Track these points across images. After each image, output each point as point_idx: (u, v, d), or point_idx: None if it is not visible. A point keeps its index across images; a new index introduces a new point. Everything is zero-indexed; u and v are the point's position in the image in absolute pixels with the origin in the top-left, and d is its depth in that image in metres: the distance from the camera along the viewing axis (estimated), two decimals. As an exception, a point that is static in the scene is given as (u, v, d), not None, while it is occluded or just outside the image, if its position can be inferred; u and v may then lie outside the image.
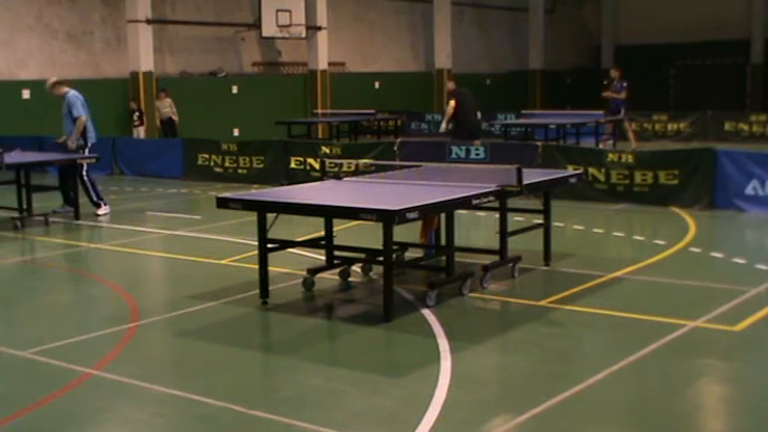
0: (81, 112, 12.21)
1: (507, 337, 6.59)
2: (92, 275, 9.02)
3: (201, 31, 23.63)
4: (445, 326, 6.60)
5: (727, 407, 5.29)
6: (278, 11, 23.71)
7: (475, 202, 7.35)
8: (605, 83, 20.74)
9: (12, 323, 7.22)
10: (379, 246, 6.77)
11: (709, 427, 5.03)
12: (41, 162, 12.94)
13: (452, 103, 16.22)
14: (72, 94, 12.31)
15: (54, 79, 12.74)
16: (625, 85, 20.07)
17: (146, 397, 5.39)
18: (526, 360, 6.04)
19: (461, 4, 30.55)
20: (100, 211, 12.33)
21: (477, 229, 10.79)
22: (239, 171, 16.16)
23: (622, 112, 20.20)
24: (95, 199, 12.39)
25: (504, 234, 8.04)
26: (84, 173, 12.33)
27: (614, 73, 20.44)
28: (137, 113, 21.27)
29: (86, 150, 12.37)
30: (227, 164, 16.33)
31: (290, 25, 24.04)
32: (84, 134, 12.30)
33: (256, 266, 7.44)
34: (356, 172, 11.93)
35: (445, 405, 5.06)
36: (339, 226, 8.99)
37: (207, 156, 16.51)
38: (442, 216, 7.86)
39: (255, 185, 14.34)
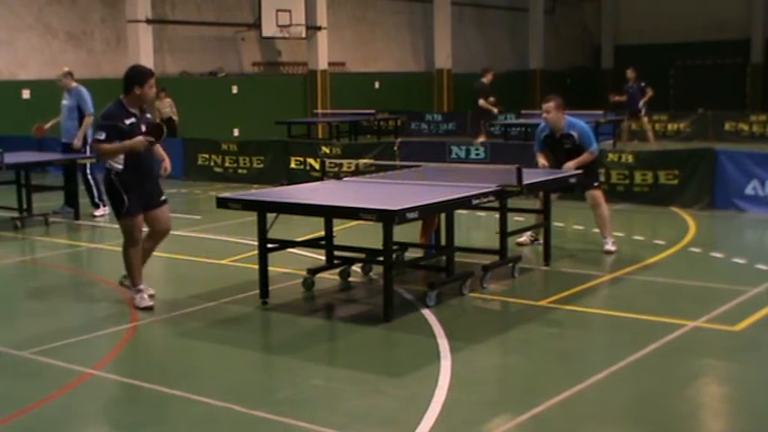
0: (91, 110, 12.16)
1: (507, 337, 6.59)
2: (92, 275, 9.02)
3: (201, 31, 23.62)
4: (445, 326, 6.60)
5: (727, 407, 5.30)
6: (278, 11, 23.70)
7: (475, 202, 7.36)
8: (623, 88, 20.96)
9: (12, 323, 7.22)
10: (379, 246, 6.77)
11: (710, 427, 5.03)
12: (41, 162, 12.94)
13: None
14: (83, 89, 12.27)
15: (66, 69, 12.64)
16: (643, 84, 20.48)
17: (146, 397, 5.39)
18: (526, 360, 6.04)
19: (461, 4, 30.54)
20: (97, 212, 12.29)
21: (477, 229, 10.79)
22: (239, 171, 16.16)
23: (643, 111, 20.47)
24: (96, 200, 12.37)
25: (504, 234, 8.04)
26: (89, 172, 12.31)
27: (630, 74, 20.75)
28: None
29: (87, 149, 12.35)
30: (227, 164, 16.33)
31: (290, 25, 24.02)
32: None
33: (256, 266, 7.44)
34: (356, 172, 11.93)
35: (445, 405, 5.06)
36: (339, 226, 8.99)
37: (207, 156, 16.52)
38: (442, 216, 7.87)
39: (255, 185, 14.32)
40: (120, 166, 7.12)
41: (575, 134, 9.05)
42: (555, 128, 9.12)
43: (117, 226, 11.66)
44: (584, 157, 9.01)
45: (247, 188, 13.65)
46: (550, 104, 9.10)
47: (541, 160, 9.27)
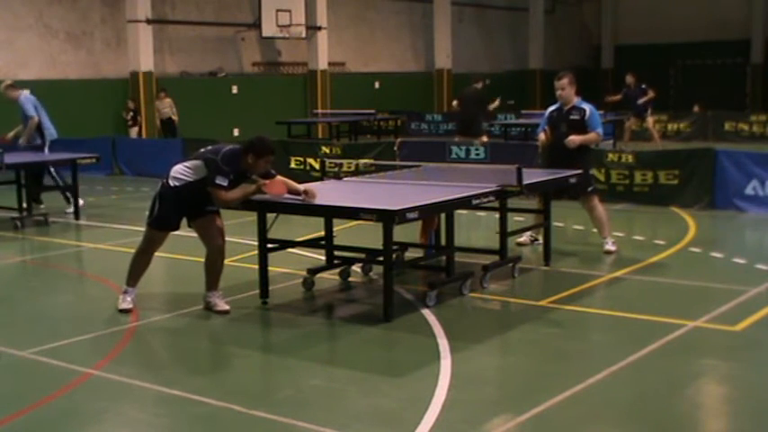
0: (32, 112, 12.67)
1: (507, 337, 6.59)
2: (92, 275, 9.02)
3: (201, 31, 23.62)
4: (445, 326, 6.60)
5: (727, 407, 5.30)
6: (278, 11, 23.70)
7: (475, 202, 7.36)
8: (623, 90, 20.78)
9: (12, 323, 7.22)
10: (379, 246, 6.77)
11: (710, 427, 5.03)
12: (41, 162, 12.91)
13: (454, 102, 16.86)
14: (24, 96, 12.81)
15: (8, 82, 13.27)
16: (644, 86, 20.32)
17: (146, 397, 5.39)
18: (526, 360, 6.04)
19: (461, 4, 30.55)
20: (69, 210, 12.40)
21: (477, 229, 10.79)
22: (239, 171, 16.13)
23: (649, 111, 20.44)
24: (66, 194, 12.54)
25: (504, 234, 8.04)
26: (53, 169, 12.51)
27: (630, 79, 20.60)
28: (131, 113, 21.27)
29: (46, 149, 12.77)
30: (227, 164, 16.30)
31: (290, 25, 24.03)
32: (41, 133, 12.73)
33: (256, 266, 7.44)
34: (356, 172, 11.94)
35: (445, 405, 5.06)
36: (339, 226, 8.99)
37: (207, 156, 16.49)
38: (442, 216, 7.87)
39: (255, 185, 14.30)
40: (177, 183, 6.96)
41: (586, 109, 9.13)
42: (566, 102, 9.20)
43: (115, 226, 11.84)
44: (591, 137, 9.08)
45: (247, 188, 13.63)
46: (564, 81, 9.20)
47: (542, 136, 9.34)
